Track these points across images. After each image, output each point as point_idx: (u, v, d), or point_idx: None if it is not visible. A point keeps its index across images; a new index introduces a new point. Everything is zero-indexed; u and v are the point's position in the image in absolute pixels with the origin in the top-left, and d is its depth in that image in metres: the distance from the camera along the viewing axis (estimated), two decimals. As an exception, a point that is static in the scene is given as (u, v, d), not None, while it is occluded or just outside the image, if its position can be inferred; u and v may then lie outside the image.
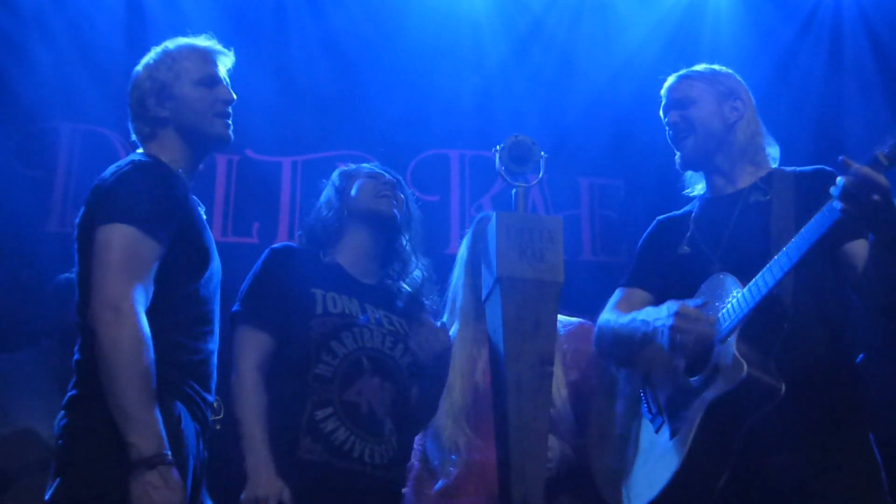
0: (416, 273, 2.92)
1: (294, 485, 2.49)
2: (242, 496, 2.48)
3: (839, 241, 2.46)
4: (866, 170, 2.15)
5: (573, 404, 2.97)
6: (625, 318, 2.69)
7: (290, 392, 2.60)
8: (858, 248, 2.44)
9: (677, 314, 2.48)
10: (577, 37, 5.14)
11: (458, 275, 3.20)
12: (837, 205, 2.19)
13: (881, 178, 2.16)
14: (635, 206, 4.83)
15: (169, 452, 2.12)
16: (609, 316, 2.80)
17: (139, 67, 2.55)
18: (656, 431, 2.57)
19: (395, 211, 2.86)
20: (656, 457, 2.53)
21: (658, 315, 2.54)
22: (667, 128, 2.85)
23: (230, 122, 2.54)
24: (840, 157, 2.21)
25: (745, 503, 2.44)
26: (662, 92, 2.89)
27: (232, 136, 2.55)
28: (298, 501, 2.50)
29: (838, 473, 2.40)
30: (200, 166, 2.59)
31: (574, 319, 3.15)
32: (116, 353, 2.11)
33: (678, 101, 2.81)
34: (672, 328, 2.47)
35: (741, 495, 2.42)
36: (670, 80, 2.89)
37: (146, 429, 2.10)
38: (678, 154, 2.83)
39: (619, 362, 2.81)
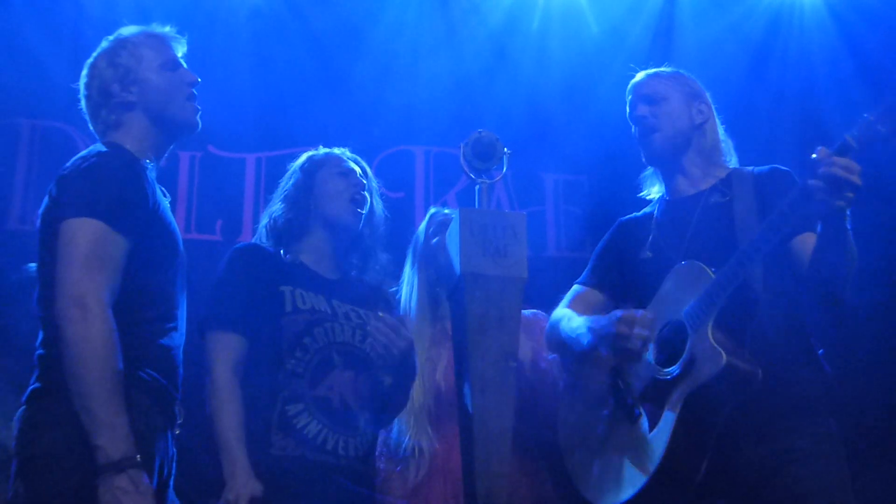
0: (376, 265, 2.92)
1: (271, 483, 2.48)
2: (220, 501, 2.47)
3: (791, 234, 2.50)
4: (847, 161, 2.23)
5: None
6: (573, 323, 2.73)
7: (262, 390, 2.59)
8: (807, 242, 2.48)
9: (619, 320, 2.52)
10: (544, 34, 5.15)
11: (410, 272, 3.20)
12: (813, 186, 2.25)
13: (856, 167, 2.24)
14: (599, 202, 4.85)
15: (137, 455, 2.08)
16: (561, 315, 2.83)
17: (94, 58, 2.51)
18: (633, 424, 2.58)
19: (362, 218, 2.86)
20: (636, 449, 2.54)
21: (602, 323, 2.58)
22: (633, 124, 2.86)
23: (198, 106, 2.52)
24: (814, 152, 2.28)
25: (716, 492, 2.48)
26: (629, 89, 2.91)
27: (200, 123, 2.53)
28: (277, 499, 2.48)
29: (806, 460, 2.44)
30: (166, 154, 2.56)
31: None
32: (83, 352, 2.06)
33: (647, 97, 2.83)
34: (616, 335, 2.51)
35: (713, 485, 2.45)
36: (638, 77, 2.91)
37: (114, 431, 2.05)
38: (644, 149, 2.84)
39: (567, 364, 2.85)
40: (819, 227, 2.39)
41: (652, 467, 2.45)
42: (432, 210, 3.36)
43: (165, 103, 2.46)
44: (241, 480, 2.44)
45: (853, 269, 2.44)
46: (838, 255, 2.40)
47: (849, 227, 2.36)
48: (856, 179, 2.24)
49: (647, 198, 2.96)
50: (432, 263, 3.16)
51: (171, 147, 2.58)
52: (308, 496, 2.54)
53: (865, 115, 2.27)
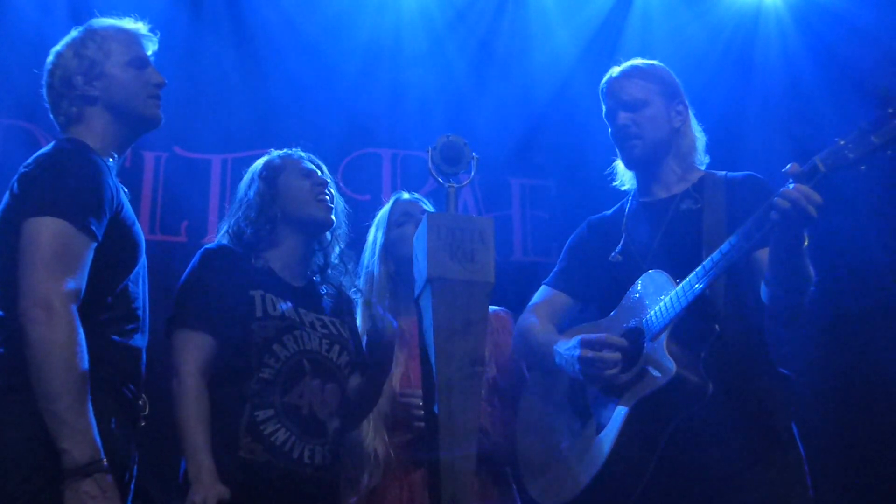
0: (338, 264, 2.90)
1: (235, 485, 2.46)
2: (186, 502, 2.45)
3: (754, 247, 2.51)
4: (807, 189, 2.21)
5: (491, 401, 2.98)
6: (541, 338, 2.74)
7: (231, 394, 2.56)
8: (764, 257, 2.47)
9: (581, 344, 2.54)
10: (508, 36, 5.16)
11: (372, 262, 3.14)
12: (774, 214, 2.24)
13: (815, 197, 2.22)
14: (566, 206, 4.87)
15: (104, 458, 2.06)
16: (529, 325, 2.83)
17: (61, 46, 2.48)
18: (583, 427, 2.61)
19: (333, 215, 2.83)
20: (582, 452, 2.57)
21: (567, 347, 2.60)
22: (611, 127, 2.82)
23: (160, 103, 2.50)
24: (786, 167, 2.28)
25: (673, 499, 2.49)
26: (604, 86, 2.86)
27: (162, 118, 2.51)
28: (239, 502, 2.46)
29: (764, 466, 2.47)
30: (128, 151, 2.54)
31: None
32: (48, 354, 2.03)
33: (628, 104, 2.78)
34: (580, 359, 2.53)
35: (669, 491, 2.48)
36: (613, 73, 2.86)
37: (80, 435, 2.03)
38: (624, 154, 2.82)
39: (533, 367, 2.87)
40: (770, 247, 2.39)
41: (594, 471, 2.48)
42: (395, 195, 3.28)
43: (128, 100, 2.44)
44: (207, 482, 2.42)
45: (806, 292, 2.44)
46: (788, 279, 2.40)
47: (804, 252, 2.34)
48: (812, 211, 2.21)
49: (622, 189, 2.95)
50: (393, 254, 3.11)
51: (133, 143, 2.56)
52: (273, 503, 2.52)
53: (837, 138, 2.28)
